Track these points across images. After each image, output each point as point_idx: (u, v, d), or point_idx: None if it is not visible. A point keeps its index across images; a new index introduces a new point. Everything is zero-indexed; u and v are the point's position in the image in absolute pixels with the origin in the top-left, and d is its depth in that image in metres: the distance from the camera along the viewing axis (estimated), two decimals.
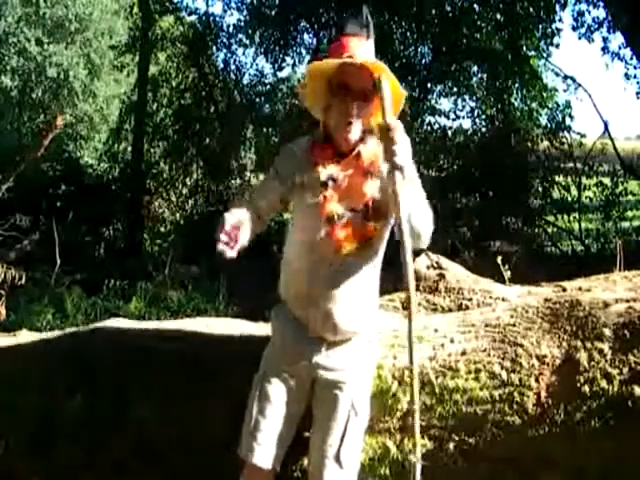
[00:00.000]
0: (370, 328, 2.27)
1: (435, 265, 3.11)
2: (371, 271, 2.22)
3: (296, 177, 2.16)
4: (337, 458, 2.12)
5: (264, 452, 2.14)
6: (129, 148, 14.45)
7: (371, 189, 2.14)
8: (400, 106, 2.15)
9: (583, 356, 2.37)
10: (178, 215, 14.43)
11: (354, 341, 2.22)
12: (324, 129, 2.20)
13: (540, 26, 12.32)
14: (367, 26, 2.14)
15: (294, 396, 2.19)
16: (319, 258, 2.14)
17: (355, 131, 2.14)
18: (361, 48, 2.11)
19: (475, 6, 12.38)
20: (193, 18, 14.26)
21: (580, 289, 2.79)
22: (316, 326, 2.16)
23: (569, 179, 11.79)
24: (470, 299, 2.94)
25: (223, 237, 2.00)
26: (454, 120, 12.69)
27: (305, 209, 2.17)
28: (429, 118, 12.63)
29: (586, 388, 2.31)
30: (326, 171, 2.14)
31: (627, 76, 13.29)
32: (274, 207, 2.29)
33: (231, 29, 13.97)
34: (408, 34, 12.57)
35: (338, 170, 2.15)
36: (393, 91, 2.09)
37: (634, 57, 12.26)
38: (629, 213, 11.92)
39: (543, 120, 12.52)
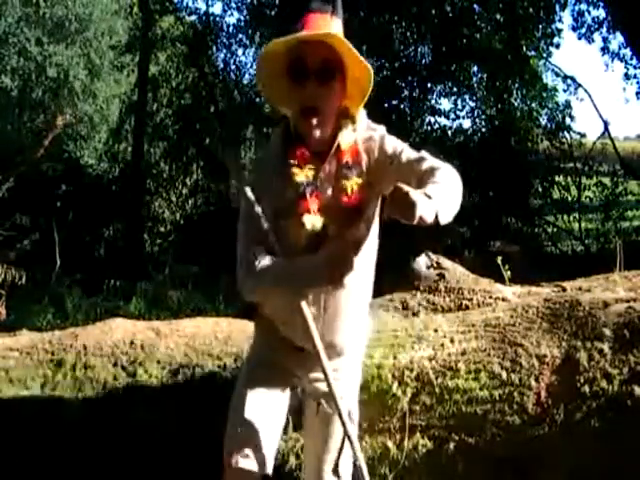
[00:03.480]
0: (365, 336, 2.14)
1: (435, 265, 3.11)
2: (365, 281, 1.99)
3: (274, 198, 1.85)
4: (335, 471, 1.99)
5: (254, 455, 1.89)
6: (129, 148, 14.46)
7: (353, 186, 1.86)
8: (370, 85, 1.84)
9: (583, 356, 2.37)
10: (178, 215, 14.44)
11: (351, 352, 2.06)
12: (294, 127, 1.88)
13: (540, 26, 12.32)
14: (333, 2, 1.84)
15: (284, 400, 2.00)
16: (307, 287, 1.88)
17: (321, 122, 1.81)
18: (323, 24, 1.81)
19: (475, 6, 12.38)
20: (193, 18, 14.28)
21: (580, 289, 2.80)
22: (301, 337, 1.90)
23: (569, 179, 11.80)
24: (470, 299, 2.94)
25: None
26: (454, 120, 12.70)
27: (283, 228, 1.86)
28: (429, 118, 12.63)
29: (586, 388, 2.31)
30: (301, 177, 1.84)
31: (627, 76, 13.31)
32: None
33: (231, 29, 13.99)
34: (408, 34, 12.56)
35: (317, 173, 1.85)
36: (357, 71, 1.82)
37: (634, 57, 12.26)
38: (629, 213, 11.93)
39: (543, 120, 12.53)
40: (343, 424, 1.86)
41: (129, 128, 14.64)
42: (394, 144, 1.89)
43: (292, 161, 1.84)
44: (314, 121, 1.80)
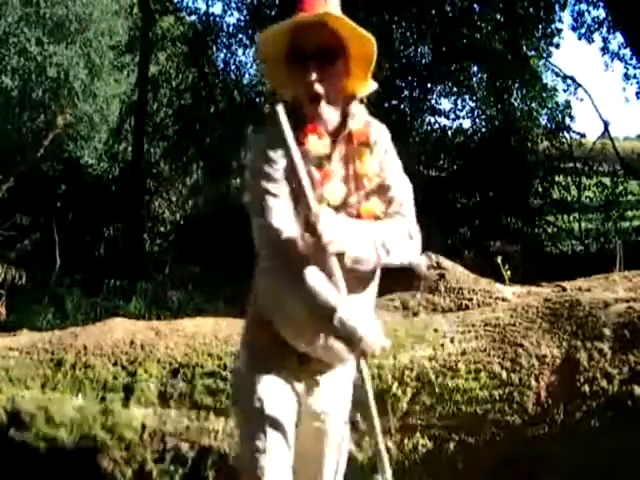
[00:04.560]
0: None
1: (435, 265, 3.11)
2: (374, 279, 1.87)
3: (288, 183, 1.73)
4: None
5: (280, 473, 1.74)
6: (129, 148, 14.45)
7: (373, 167, 1.80)
8: (373, 59, 1.78)
9: (583, 356, 2.37)
10: (178, 215, 14.44)
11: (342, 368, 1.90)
12: (300, 110, 1.77)
13: (540, 26, 12.32)
14: None
15: (294, 411, 1.85)
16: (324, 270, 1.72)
17: (328, 107, 1.75)
18: (319, 5, 1.75)
19: (475, 6, 12.38)
20: (193, 18, 14.28)
21: (580, 289, 2.80)
22: (326, 357, 1.83)
23: (569, 179, 11.80)
24: (470, 299, 2.94)
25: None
26: (454, 120, 12.69)
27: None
28: (429, 118, 12.64)
29: (586, 388, 2.31)
30: (318, 149, 1.75)
31: (627, 76, 13.30)
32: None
33: (231, 29, 13.97)
34: (408, 34, 12.56)
35: (332, 153, 1.77)
36: (360, 48, 1.77)
37: (634, 57, 12.26)
38: (629, 213, 11.93)
39: (543, 120, 12.53)
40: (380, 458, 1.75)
41: (129, 128, 14.63)
42: (393, 164, 1.84)
43: (306, 137, 1.73)
44: (321, 106, 1.73)
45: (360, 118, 1.81)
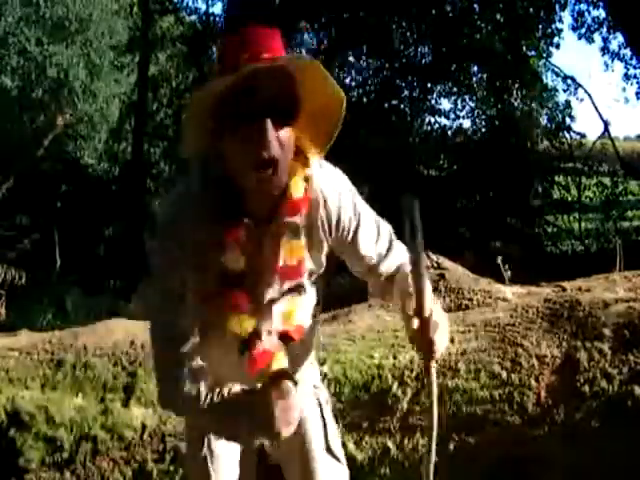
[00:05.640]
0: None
1: (435, 265, 3.11)
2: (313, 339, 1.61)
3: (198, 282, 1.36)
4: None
5: None
6: (129, 148, 14.47)
7: (294, 251, 1.40)
8: (340, 118, 1.32)
9: (583, 356, 2.37)
10: None
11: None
12: (223, 184, 1.32)
13: (540, 26, 12.33)
14: (272, 11, 1.35)
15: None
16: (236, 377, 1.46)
17: (280, 175, 1.30)
18: (279, 46, 1.30)
19: (475, 6, 12.38)
20: (193, 18, 14.29)
21: (580, 289, 2.80)
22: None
23: (569, 179, 11.81)
24: (470, 299, 2.94)
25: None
26: (454, 120, 12.71)
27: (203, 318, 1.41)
28: (429, 118, 12.64)
29: (586, 388, 2.31)
30: (235, 258, 1.33)
31: (627, 76, 13.31)
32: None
33: None
34: (408, 34, 12.57)
35: (261, 244, 1.37)
36: (321, 99, 1.30)
37: (634, 57, 12.27)
38: (629, 213, 11.94)
39: (543, 120, 12.54)
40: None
41: (129, 128, 14.65)
42: (351, 212, 1.46)
43: (224, 248, 1.33)
44: (277, 177, 1.29)
45: (299, 188, 1.37)
